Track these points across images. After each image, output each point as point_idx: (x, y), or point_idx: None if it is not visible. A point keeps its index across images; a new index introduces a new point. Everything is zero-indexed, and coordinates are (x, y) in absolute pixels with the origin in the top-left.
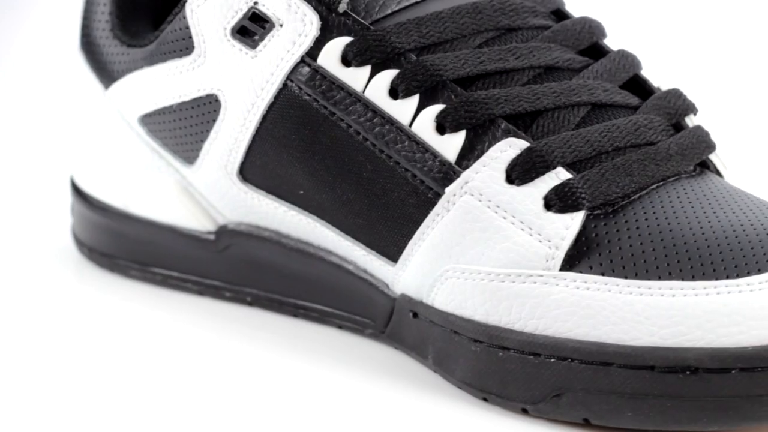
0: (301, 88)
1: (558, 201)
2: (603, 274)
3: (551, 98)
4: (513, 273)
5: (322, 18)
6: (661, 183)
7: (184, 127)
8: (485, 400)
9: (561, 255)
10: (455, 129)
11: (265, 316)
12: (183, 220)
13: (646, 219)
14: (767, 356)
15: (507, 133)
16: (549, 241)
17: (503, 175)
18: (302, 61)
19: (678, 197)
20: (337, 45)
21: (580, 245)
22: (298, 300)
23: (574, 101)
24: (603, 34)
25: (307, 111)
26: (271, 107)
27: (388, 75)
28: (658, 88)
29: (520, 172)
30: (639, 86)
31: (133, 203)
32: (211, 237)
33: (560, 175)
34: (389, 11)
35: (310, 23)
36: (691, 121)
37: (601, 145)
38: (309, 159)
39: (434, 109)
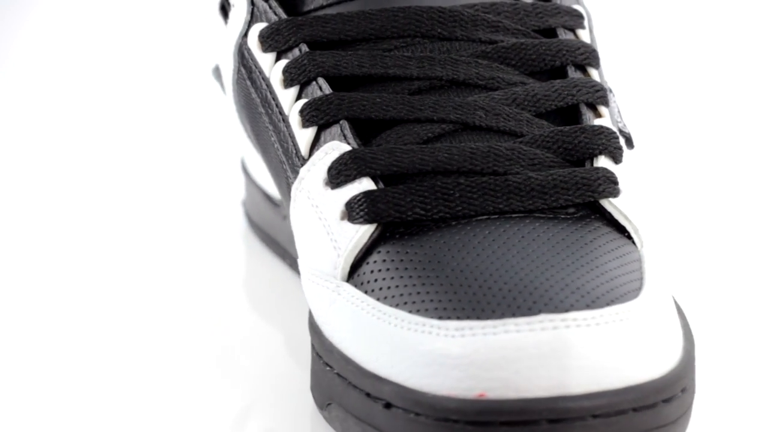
0: (241, 69)
1: (352, 211)
2: (366, 293)
3: (413, 110)
4: (317, 275)
5: (251, 2)
6: (496, 216)
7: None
8: None
9: (344, 266)
10: (308, 124)
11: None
12: (268, 185)
13: (431, 247)
14: (438, 407)
15: (343, 137)
16: (339, 249)
17: (324, 177)
18: (243, 42)
19: (488, 233)
20: (256, 30)
21: (364, 259)
22: None
23: (439, 117)
24: (579, 60)
25: (246, 91)
26: (235, 83)
27: (282, 64)
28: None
29: (332, 176)
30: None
31: (248, 164)
32: (279, 204)
33: (363, 185)
34: (320, 4)
35: (244, 7)
36: (597, 161)
37: (424, 164)
38: (255, 137)
39: (301, 103)
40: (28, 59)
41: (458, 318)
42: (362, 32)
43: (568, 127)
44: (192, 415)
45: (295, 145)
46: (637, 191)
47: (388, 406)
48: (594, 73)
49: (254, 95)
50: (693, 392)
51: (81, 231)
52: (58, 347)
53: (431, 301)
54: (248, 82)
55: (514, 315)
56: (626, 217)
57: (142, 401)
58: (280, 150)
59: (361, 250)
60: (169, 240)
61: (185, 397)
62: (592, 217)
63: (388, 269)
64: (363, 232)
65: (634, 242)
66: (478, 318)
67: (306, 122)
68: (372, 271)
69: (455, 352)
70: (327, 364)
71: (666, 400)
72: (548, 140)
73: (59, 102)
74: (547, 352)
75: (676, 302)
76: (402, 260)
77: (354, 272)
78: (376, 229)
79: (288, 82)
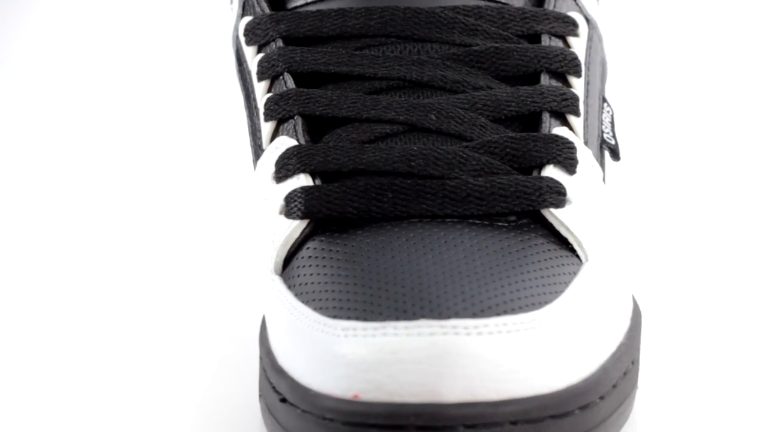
0: (235, 60)
1: (288, 206)
2: (289, 288)
3: (365, 109)
4: (261, 267)
5: None
6: (428, 219)
7: None
8: None
9: (276, 260)
10: (268, 118)
11: None
12: None
13: (353, 246)
14: (319, 405)
15: (294, 133)
16: (274, 243)
17: (272, 171)
18: (236, 35)
19: (412, 236)
20: (243, 23)
21: (294, 255)
22: None
23: (389, 117)
24: (555, 67)
25: (239, 82)
26: (235, 74)
27: (258, 57)
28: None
29: (277, 171)
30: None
31: None
32: None
33: (300, 180)
34: (304, 0)
35: (237, 0)
36: (545, 171)
37: (359, 164)
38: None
39: (266, 97)
40: (57, 55)
41: (348, 318)
42: (337, 30)
43: (519, 134)
44: (215, 407)
45: (260, 138)
46: (608, 204)
47: (283, 400)
48: (575, 82)
49: (241, 87)
50: (604, 411)
51: (117, 222)
52: (84, 341)
53: (333, 299)
54: (239, 74)
55: (397, 318)
56: (569, 230)
57: (172, 391)
58: (252, 142)
59: (292, 245)
60: (204, 233)
61: (209, 388)
62: (532, 226)
63: (310, 266)
64: (294, 227)
65: (578, 255)
66: (365, 319)
67: (267, 116)
68: (298, 267)
69: (338, 352)
70: (260, 357)
71: (555, 417)
72: (496, 146)
73: (102, 100)
74: (421, 358)
75: (636, 317)
76: (324, 257)
77: (286, 267)
78: (308, 225)
79: (260, 75)
